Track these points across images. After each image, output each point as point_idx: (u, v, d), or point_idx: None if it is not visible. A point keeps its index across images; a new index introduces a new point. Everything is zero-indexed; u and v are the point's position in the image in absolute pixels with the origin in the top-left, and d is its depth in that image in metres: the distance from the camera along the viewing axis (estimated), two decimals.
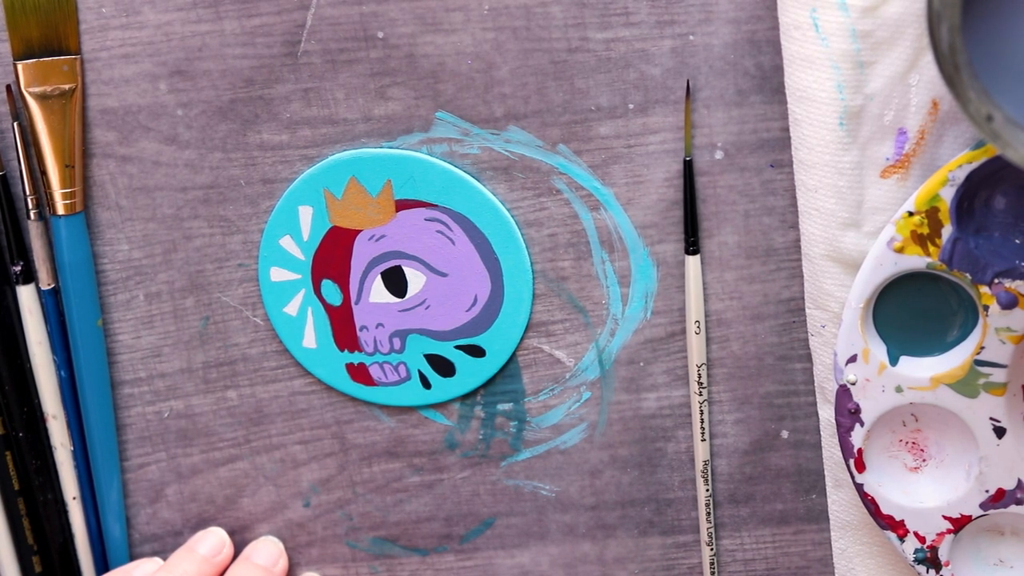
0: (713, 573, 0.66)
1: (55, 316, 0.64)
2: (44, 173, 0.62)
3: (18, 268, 0.63)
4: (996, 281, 0.56)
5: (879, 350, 0.59)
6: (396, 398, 0.65)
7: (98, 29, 0.61)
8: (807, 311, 0.61)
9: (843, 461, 0.61)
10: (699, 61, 0.60)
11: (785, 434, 0.64)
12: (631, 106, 0.60)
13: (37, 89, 0.61)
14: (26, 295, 0.64)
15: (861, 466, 0.60)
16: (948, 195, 0.56)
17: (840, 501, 0.63)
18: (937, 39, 0.49)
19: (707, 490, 0.65)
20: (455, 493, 0.66)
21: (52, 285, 0.64)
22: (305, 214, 0.63)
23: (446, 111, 0.61)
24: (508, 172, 0.62)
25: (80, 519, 0.67)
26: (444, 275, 0.63)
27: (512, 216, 0.62)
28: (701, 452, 0.64)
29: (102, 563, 0.67)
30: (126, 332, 0.65)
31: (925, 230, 0.56)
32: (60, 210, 0.62)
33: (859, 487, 0.60)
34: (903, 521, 0.60)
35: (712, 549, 0.66)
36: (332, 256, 0.63)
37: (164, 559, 0.67)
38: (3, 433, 0.65)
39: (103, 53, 0.61)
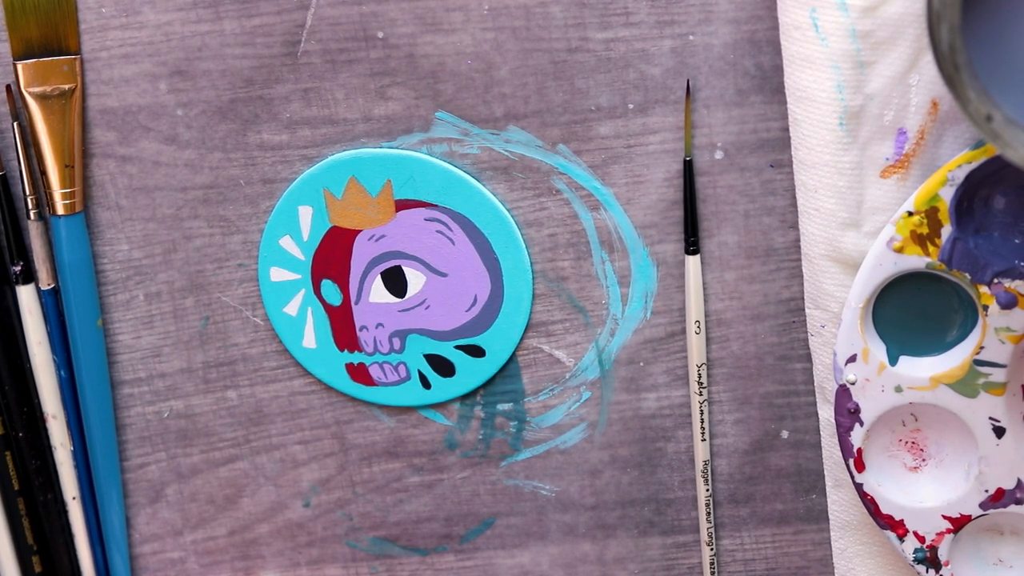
0: (713, 573, 0.66)
1: (55, 316, 0.64)
2: (44, 173, 0.62)
3: (18, 268, 0.63)
4: (995, 281, 0.56)
5: (879, 350, 0.59)
6: (396, 398, 0.65)
7: (98, 29, 0.61)
8: (807, 311, 0.61)
9: (843, 461, 0.61)
10: (699, 61, 0.60)
11: (785, 434, 0.64)
12: (631, 106, 0.61)
13: (37, 89, 0.61)
14: (26, 295, 0.64)
15: (861, 466, 0.60)
16: (948, 195, 0.56)
17: (840, 501, 0.63)
18: (937, 39, 0.49)
19: (707, 490, 0.65)
20: (455, 493, 0.66)
21: (52, 285, 0.64)
22: (305, 214, 0.63)
23: (446, 111, 0.61)
24: (508, 172, 0.62)
25: (80, 519, 0.67)
26: (444, 275, 0.63)
27: (512, 216, 0.62)
28: (701, 452, 0.64)
29: (102, 563, 0.67)
30: (126, 332, 0.65)
31: (925, 230, 0.56)
32: (60, 210, 0.62)
33: (859, 487, 0.60)
34: (903, 521, 0.60)
35: (712, 549, 0.66)
36: (332, 256, 0.63)
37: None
38: (3, 433, 0.65)
39: (103, 53, 0.61)
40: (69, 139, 0.62)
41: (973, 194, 0.56)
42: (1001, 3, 0.51)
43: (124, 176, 0.63)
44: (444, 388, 0.65)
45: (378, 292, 0.63)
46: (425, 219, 0.62)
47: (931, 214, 0.56)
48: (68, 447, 0.66)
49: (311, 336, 0.64)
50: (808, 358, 0.63)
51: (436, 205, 0.62)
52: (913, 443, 0.61)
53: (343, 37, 0.60)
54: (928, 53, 0.56)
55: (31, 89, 0.61)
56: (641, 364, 0.64)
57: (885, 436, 0.60)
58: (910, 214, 0.56)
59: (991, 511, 0.59)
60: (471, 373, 0.64)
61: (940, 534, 0.60)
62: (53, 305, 0.64)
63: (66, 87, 0.61)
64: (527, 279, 0.63)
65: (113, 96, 0.62)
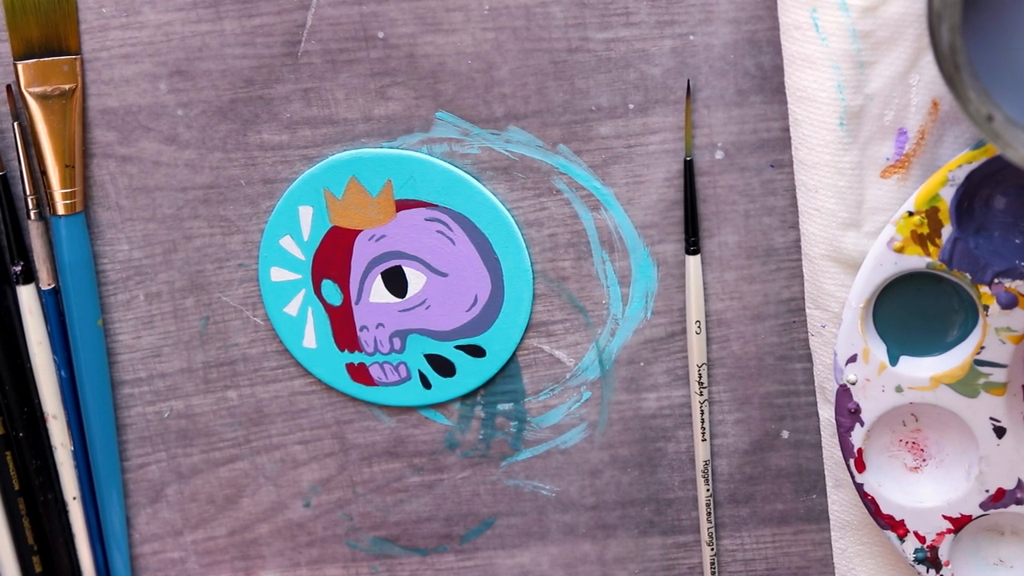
0: (713, 573, 0.66)
1: (55, 316, 0.64)
2: (44, 173, 0.62)
3: (18, 268, 0.63)
4: (996, 281, 0.56)
5: (879, 350, 0.59)
6: (396, 398, 0.65)
7: (98, 29, 0.61)
8: (807, 311, 0.61)
9: (843, 461, 0.61)
10: (699, 61, 0.60)
11: (785, 434, 0.64)
12: (631, 106, 0.60)
13: (37, 89, 0.61)
14: (26, 295, 0.64)
15: (861, 466, 0.60)
16: (948, 195, 0.56)
17: (840, 501, 0.63)
18: (937, 39, 0.49)
19: (707, 490, 0.65)
20: (455, 493, 0.66)
21: (52, 285, 0.64)
22: (305, 214, 0.63)
23: (446, 111, 0.61)
24: (508, 172, 0.62)
25: (80, 519, 0.67)
26: (444, 275, 0.63)
27: (512, 216, 0.62)
28: (701, 452, 0.64)
29: (102, 563, 0.67)
30: (126, 332, 0.65)
31: (925, 230, 0.56)
32: (60, 210, 0.62)
33: (859, 487, 0.60)
34: (903, 521, 0.60)
35: (712, 549, 0.66)
36: (332, 256, 0.63)
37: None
38: (3, 433, 0.65)
39: (103, 53, 0.61)
40: (69, 139, 0.62)
41: (974, 194, 0.56)
42: (1001, 3, 0.51)
43: (124, 176, 0.63)
44: (444, 388, 0.65)
45: (378, 292, 0.63)
46: (425, 219, 0.62)
47: (931, 214, 0.56)
48: (68, 447, 0.66)
49: (311, 336, 0.64)
50: (808, 358, 0.63)
51: (436, 205, 0.62)
52: (913, 443, 0.61)
53: (343, 37, 0.60)
54: (928, 53, 0.56)
55: (31, 89, 0.61)
56: (641, 364, 0.64)
57: (885, 436, 0.60)
58: (910, 214, 0.56)
59: (991, 511, 0.59)
60: (471, 373, 0.64)
61: (940, 534, 0.60)
62: (53, 305, 0.64)
63: (66, 87, 0.61)
64: (527, 279, 0.63)
65: (113, 96, 0.62)
